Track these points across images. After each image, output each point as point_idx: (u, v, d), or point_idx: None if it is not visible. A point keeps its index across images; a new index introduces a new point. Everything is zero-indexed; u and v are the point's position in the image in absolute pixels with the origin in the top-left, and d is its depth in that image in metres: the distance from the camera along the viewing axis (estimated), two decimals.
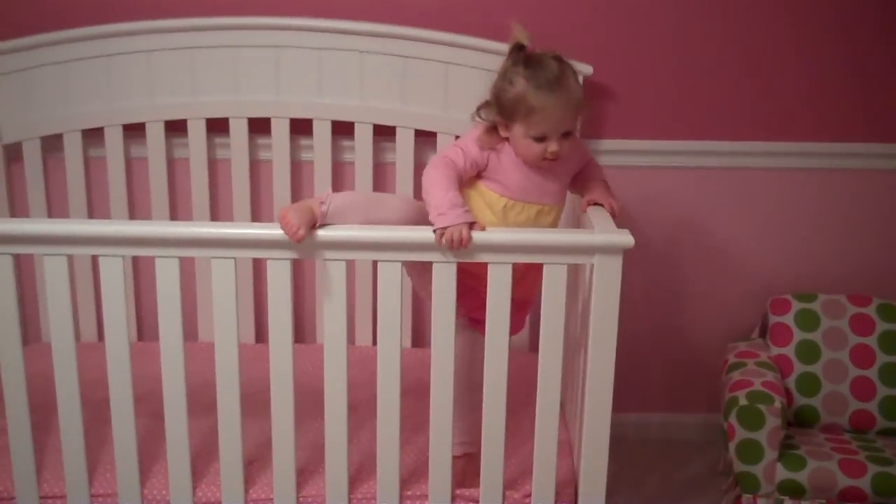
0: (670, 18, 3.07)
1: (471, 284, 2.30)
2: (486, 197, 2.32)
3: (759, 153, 3.21)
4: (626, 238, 2.20)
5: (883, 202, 3.27)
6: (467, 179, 2.32)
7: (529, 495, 2.41)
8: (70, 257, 2.25)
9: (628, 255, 2.23)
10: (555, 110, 2.21)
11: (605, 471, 2.37)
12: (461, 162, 2.27)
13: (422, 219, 2.25)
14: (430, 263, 2.23)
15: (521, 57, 2.25)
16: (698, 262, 3.33)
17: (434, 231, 2.17)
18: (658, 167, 3.21)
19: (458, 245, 2.16)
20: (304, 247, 2.20)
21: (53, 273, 2.23)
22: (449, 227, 2.15)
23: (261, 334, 3.22)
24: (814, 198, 3.26)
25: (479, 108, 2.30)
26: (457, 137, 2.89)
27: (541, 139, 2.23)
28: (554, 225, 2.40)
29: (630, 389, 3.43)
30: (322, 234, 2.20)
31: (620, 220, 2.34)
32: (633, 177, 3.21)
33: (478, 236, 2.18)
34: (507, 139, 2.30)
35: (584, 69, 2.93)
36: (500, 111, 2.26)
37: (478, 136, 2.30)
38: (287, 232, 2.15)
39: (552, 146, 2.23)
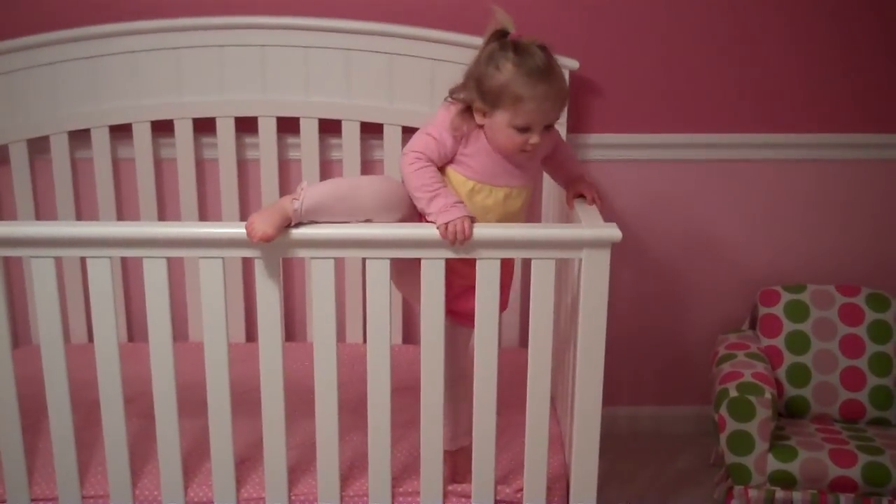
0: (657, 11, 3.07)
1: (447, 278, 2.28)
2: (452, 179, 2.28)
3: (748, 145, 3.21)
4: (613, 232, 2.20)
5: (871, 192, 3.28)
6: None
7: (521, 490, 2.42)
8: (58, 259, 2.25)
9: (618, 248, 2.23)
10: (544, 101, 2.16)
11: (597, 465, 2.37)
12: (435, 154, 2.23)
13: (397, 198, 2.23)
14: (409, 262, 2.23)
15: (509, 43, 2.18)
16: (688, 254, 3.33)
17: (437, 227, 2.17)
18: (646, 161, 3.21)
19: (461, 238, 2.16)
20: (291, 246, 2.20)
21: (41, 275, 2.22)
22: (452, 221, 2.15)
23: (251, 333, 3.21)
24: (802, 189, 3.27)
25: (454, 90, 2.25)
26: None
27: (524, 129, 2.17)
28: (524, 207, 2.34)
29: (621, 383, 3.44)
30: (308, 232, 2.20)
31: (608, 213, 2.34)
32: (621, 171, 3.21)
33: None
34: (481, 126, 2.24)
35: (570, 64, 2.93)
36: (483, 96, 2.18)
37: (451, 122, 2.23)
38: (249, 235, 2.13)
39: (534, 138, 2.18)
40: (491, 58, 2.18)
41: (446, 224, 2.16)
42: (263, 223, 2.13)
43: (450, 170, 2.28)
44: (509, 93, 2.15)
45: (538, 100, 2.15)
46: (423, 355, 2.29)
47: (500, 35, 2.22)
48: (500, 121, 2.18)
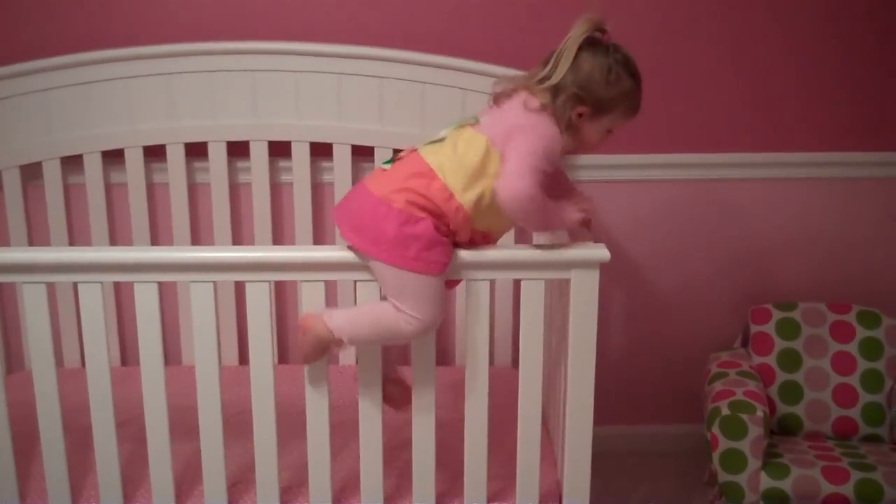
0: (645, 30, 3.09)
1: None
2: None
3: (739, 164, 3.23)
4: (601, 252, 2.21)
5: (861, 210, 3.30)
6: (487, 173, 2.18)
7: None
8: (51, 284, 2.26)
9: (609, 268, 2.24)
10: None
11: (588, 482, 2.38)
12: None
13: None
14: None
15: (620, 55, 2.21)
16: (679, 273, 3.35)
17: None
18: (636, 181, 3.23)
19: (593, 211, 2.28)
20: (282, 269, 2.23)
21: (33, 301, 2.23)
22: (582, 211, 2.24)
23: (244, 356, 3.22)
24: (793, 207, 3.28)
25: (564, 100, 2.17)
26: None
27: (610, 132, 2.28)
28: None
29: (614, 402, 3.44)
30: (299, 255, 2.23)
31: (598, 233, 2.35)
32: (612, 191, 3.23)
33: (457, 256, 2.20)
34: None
35: None
36: (595, 103, 2.19)
37: (565, 147, 2.21)
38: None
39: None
40: (608, 69, 2.18)
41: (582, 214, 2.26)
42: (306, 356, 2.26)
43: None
44: (626, 103, 2.24)
45: (639, 111, 2.28)
46: (414, 373, 2.30)
47: (600, 35, 2.22)
48: (603, 125, 2.25)
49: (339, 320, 2.22)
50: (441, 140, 2.22)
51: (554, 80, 2.17)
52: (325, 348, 2.24)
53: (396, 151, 3.03)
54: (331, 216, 2.29)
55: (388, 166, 2.22)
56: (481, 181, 2.16)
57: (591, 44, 2.19)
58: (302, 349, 2.26)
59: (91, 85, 3.00)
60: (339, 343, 2.22)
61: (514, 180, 2.11)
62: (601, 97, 2.19)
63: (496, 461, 2.43)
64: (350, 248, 2.20)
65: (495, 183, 2.14)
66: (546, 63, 2.22)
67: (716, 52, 3.14)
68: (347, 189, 3.07)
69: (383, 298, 2.22)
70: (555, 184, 2.47)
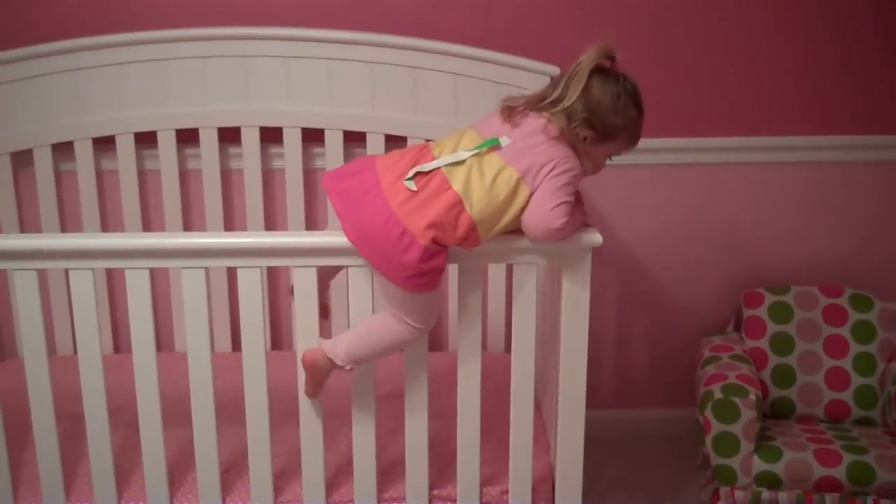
0: (640, 15, 3.09)
1: None
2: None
3: (733, 148, 3.23)
4: (593, 237, 2.22)
5: (854, 194, 3.30)
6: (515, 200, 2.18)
7: (507, 492, 2.43)
8: (43, 271, 2.25)
9: (602, 253, 2.25)
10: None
11: (581, 466, 2.39)
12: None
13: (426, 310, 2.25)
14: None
15: (629, 84, 2.24)
16: (672, 257, 3.35)
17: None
18: (630, 165, 3.22)
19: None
20: (272, 255, 2.23)
21: (24, 288, 2.22)
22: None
23: (238, 343, 3.22)
24: (786, 191, 3.28)
25: (576, 125, 2.19)
26: (426, 141, 2.91)
27: (609, 158, 2.31)
28: None
29: (607, 386, 3.46)
30: (290, 241, 2.23)
31: (592, 218, 2.34)
32: (605, 175, 3.17)
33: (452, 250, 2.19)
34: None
35: (551, 70, 2.95)
36: (603, 129, 2.21)
37: (581, 168, 2.22)
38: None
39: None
40: (617, 97, 2.21)
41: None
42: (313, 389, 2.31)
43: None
44: (630, 132, 2.27)
45: (638, 143, 2.31)
46: (405, 362, 2.30)
47: (610, 63, 2.25)
48: (606, 150, 2.27)
49: (340, 349, 2.26)
50: (462, 162, 2.17)
51: (566, 102, 2.19)
52: (327, 376, 2.30)
53: (388, 137, 3.05)
54: (323, 186, 2.24)
55: (411, 185, 2.13)
56: (506, 215, 2.17)
57: (600, 71, 2.22)
58: (307, 385, 2.30)
59: (82, 71, 2.99)
60: (343, 369, 2.27)
61: (547, 221, 2.15)
62: (608, 124, 2.22)
63: (489, 446, 2.43)
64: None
65: (526, 220, 2.17)
66: (555, 85, 2.25)
67: (709, 35, 3.13)
68: None
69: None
70: None
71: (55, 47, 2.95)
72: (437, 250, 2.14)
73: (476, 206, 2.13)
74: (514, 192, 2.15)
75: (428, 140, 2.87)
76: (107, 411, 2.33)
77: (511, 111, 2.24)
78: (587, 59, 2.20)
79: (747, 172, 3.26)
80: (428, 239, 2.11)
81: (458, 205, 2.12)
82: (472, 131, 2.24)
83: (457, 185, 2.13)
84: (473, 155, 2.17)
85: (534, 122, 2.21)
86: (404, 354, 2.30)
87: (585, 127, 2.19)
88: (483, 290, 2.30)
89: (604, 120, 2.21)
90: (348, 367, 2.27)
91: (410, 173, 2.14)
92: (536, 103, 2.23)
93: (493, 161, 2.17)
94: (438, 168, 2.16)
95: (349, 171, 2.23)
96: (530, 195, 2.16)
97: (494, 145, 2.18)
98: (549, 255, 2.24)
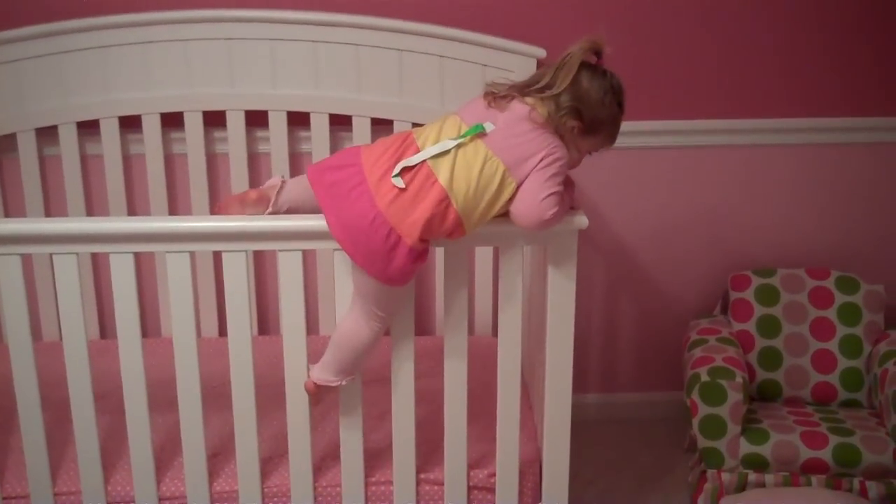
0: None
1: None
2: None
3: (721, 131, 3.23)
4: (579, 219, 2.22)
5: (842, 176, 3.29)
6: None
7: (494, 475, 2.43)
8: (28, 256, 2.24)
9: (589, 235, 2.24)
10: None
11: (568, 450, 2.39)
12: None
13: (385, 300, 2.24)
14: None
15: (616, 82, 2.25)
16: (660, 240, 3.34)
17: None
18: (617, 148, 3.19)
19: None
20: (258, 239, 2.21)
21: (8, 273, 2.21)
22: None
23: (224, 327, 3.20)
24: (773, 174, 3.28)
25: (564, 113, 2.19)
26: (413, 125, 2.90)
27: (589, 154, 2.31)
28: None
29: (595, 370, 3.46)
30: (276, 224, 2.21)
31: (578, 201, 2.34)
32: (593, 158, 3.19)
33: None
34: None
35: (538, 52, 2.94)
36: (589, 121, 2.21)
37: (569, 157, 2.23)
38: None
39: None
40: (605, 94, 2.22)
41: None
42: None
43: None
44: (609, 129, 2.27)
45: (614, 143, 2.32)
46: (393, 348, 2.30)
47: (597, 59, 2.25)
48: (588, 144, 2.27)
49: (329, 373, 2.29)
50: (447, 152, 2.14)
51: (556, 90, 2.18)
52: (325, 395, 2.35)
53: (374, 120, 3.04)
54: (308, 179, 2.21)
55: (399, 183, 2.10)
56: (493, 209, 2.16)
57: (588, 65, 2.22)
58: (312, 405, 2.37)
59: (65, 55, 2.96)
60: (336, 387, 2.31)
61: (539, 212, 2.15)
62: (595, 116, 2.22)
63: (476, 430, 2.43)
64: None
65: (515, 211, 2.16)
66: (541, 73, 2.24)
67: (696, 16, 3.12)
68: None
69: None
70: None
71: (38, 30, 2.92)
72: (423, 248, 2.14)
73: (462, 201, 2.12)
74: (500, 185, 2.14)
75: (415, 124, 2.87)
76: (93, 397, 2.32)
77: (495, 96, 2.22)
78: (578, 50, 2.19)
79: (735, 155, 3.26)
80: (415, 238, 2.10)
81: (444, 200, 2.11)
82: (454, 117, 2.22)
83: (443, 178, 2.11)
84: (457, 145, 2.15)
85: (519, 108, 2.19)
86: (391, 339, 2.30)
87: (573, 117, 2.18)
88: (470, 273, 2.30)
89: (591, 112, 2.21)
90: (345, 382, 2.30)
91: (396, 169, 2.12)
92: (522, 89, 2.22)
93: (478, 149, 2.15)
94: (424, 161, 2.14)
95: (334, 164, 2.20)
96: (517, 187, 2.15)
97: (480, 132, 2.16)
98: (536, 238, 2.24)
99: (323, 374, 2.30)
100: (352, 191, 2.13)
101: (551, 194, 2.14)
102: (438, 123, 2.22)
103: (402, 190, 2.10)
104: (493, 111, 2.20)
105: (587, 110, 2.20)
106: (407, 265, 2.13)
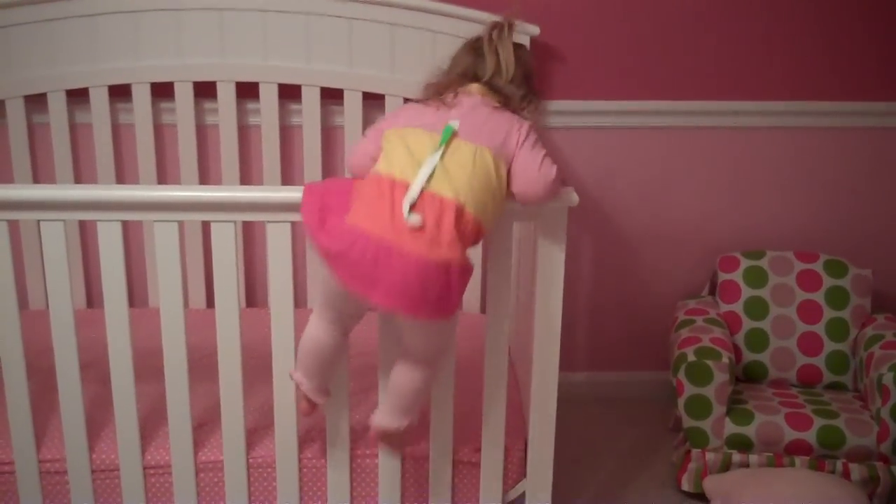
0: None
1: None
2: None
3: (710, 112, 3.22)
4: (570, 196, 2.21)
5: (831, 159, 3.29)
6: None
7: (479, 451, 2.44)
8: (15, 223, 2.23)
9: (578, 215, 2.24)
10: None
11: (554, 428, 2.40)
12: None
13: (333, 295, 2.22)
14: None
15: (523, 46, 2.34)
16: (649, 221, 3.34)
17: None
18: (607, 127, 3.21)
19: None
20: (246, 210, 2.21)
21: None
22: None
23: (212, 299, 3.20)
24: (763, 156, 3.28)
25: (524, 93, 2.26)
26: (405, 100, 2.90)
27: None
28: None
29: (582, 348, 3.46)
30: (264, 195, 2.21)
31: (568, 179, 2.34)
32: (582, 137, 3.21)
33: None
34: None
35: (531, 30, 2.93)
36: (535, 93, 2.31)
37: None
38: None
39: None
40: (530, 54, 2.31)
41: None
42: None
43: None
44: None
45: None
46: (379, 327, 2.30)
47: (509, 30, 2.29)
48: (538, 112, 2.35)
49: (403, 420, 2.29)
50: (438, 164, 2.08)
51: (508, 74, 2.24)
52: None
53: (366, 95, 3.02)
54: (345, 282, 2.06)
55: (416, 221, 2.01)
56: (498, 197, 2.14)
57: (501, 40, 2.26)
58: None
59: (54, 22, 2.94)
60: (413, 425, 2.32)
61: (544, 177, 2.14)
62: (536, 91, 2.30)
63: (463, 406, 2.44)
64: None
65: (521, 187, 2.15)
66: (470, 63, 2.28)
67: None
68: (316, 132, 3.05)
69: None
70: None
71: None
72: (466, 262, 2.07)
73: (472, 203, 2.06)
74: (496, 169, 2.12)
75: (406, 99, 2.86)
76: (79, 366, 2.31)
77: (439, 98, 2.22)
78: (505, 32, 2.25)
79: (725, 136, 3.26)
80: (460, 253, 2.04)
81: (459, 209, 2.04)
82: (409, 130, 2.15)
83: (448, 193, 2.05)
84: (443, 157, 2.09)
85: (469, 99, 2.20)
86: (378, 315, 2.29)
87: (533, 95, 2.28)
88: None
89: (530, 76, 2.29)
90: (412, 424, 2.32)
91: (405, 211, 2.02)
92: (466, 81, 2.25)
93: (461, 147, 2.11)
94: (431, 192, 2.05)
95: (343, 244, 2.03)
96: (508, 169, 2.15)
97: (453, 134, 2.12)
98: (526, 215, 2.23)
99: (396, 421, 2.29)
100: (378, 262, 2.00)
101: (544, 157, 2.15)
102: (400, 145, 2.14)
103: (421, 228, 2.01)
104: (444, 110, 2.18)
105: (530, 82, 2.28)
106: (463, 287, 2.07)
